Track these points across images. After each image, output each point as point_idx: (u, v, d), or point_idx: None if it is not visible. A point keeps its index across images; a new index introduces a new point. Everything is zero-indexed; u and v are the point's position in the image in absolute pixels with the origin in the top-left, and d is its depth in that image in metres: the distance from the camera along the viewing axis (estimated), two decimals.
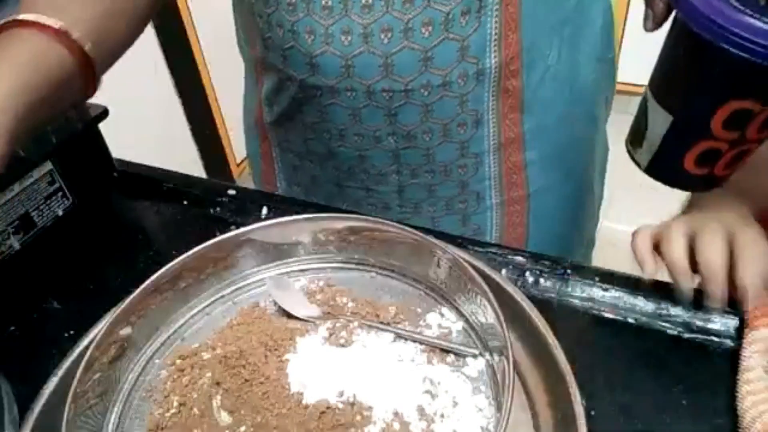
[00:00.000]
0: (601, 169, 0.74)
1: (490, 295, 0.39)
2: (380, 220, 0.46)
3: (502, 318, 0.38)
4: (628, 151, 0.42)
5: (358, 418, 0.37)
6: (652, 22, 0.37)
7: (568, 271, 0.50)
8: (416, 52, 0.50)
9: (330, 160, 0.62)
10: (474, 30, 0.50)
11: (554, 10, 0.54)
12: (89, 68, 0.46)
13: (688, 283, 0.45)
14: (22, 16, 0.43)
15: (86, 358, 0.38)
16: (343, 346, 0.42)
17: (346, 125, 0.57)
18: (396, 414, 0.38)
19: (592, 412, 0.39)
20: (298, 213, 0.49)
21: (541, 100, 0.56)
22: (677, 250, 0.45)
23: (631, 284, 0.48)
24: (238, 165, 2.13)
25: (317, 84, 0.55)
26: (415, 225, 0.46)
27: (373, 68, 0.52)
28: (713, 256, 0.44)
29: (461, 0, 0.48)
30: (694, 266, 0.45)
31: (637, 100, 0.41)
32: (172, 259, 0.44)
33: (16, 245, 0.52)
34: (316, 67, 0.53)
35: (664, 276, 0.48)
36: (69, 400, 0.36)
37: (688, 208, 0.52)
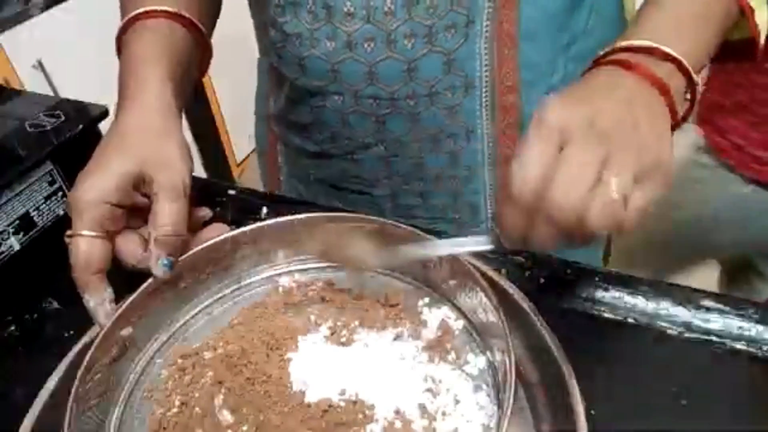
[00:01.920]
0: None
1: (491, 293, 0.40)
2: (380, 219, 0.46)
3: (503, 316, 0.38)
4: None
5: (360, 416, 0.37)
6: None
7: (568, 271, 0.50)
8: (400, 62, 0.50)
9: (324, 160, 0.62)
10: (460, 45, 0.50)
11: (560, 31, 0.53)
12: (205, 43, 0.55)
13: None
14: (142, 10, 0.50)
15: (87, 358, 0.38)
16: (344, 344, 0.43)
17: (336, 128, 0.57)
18: (398, 412, 0.38)
19: (592, 412, 0.39)
20: (298, 213, 0.49)
21: None
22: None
23: (631, 284, 0.48)
24: (238, 165, 2.13)
25: (306, 85, 0.55)
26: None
27: (358, 75, 0.52)
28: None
29: (445, 15, 0.48)
30: None
31: None
32: None
33: (16, 245, 0.52)
34: (305, 68, 0.54)
35: (664, 276, 0.48)
36: (70, 400, 0.36)
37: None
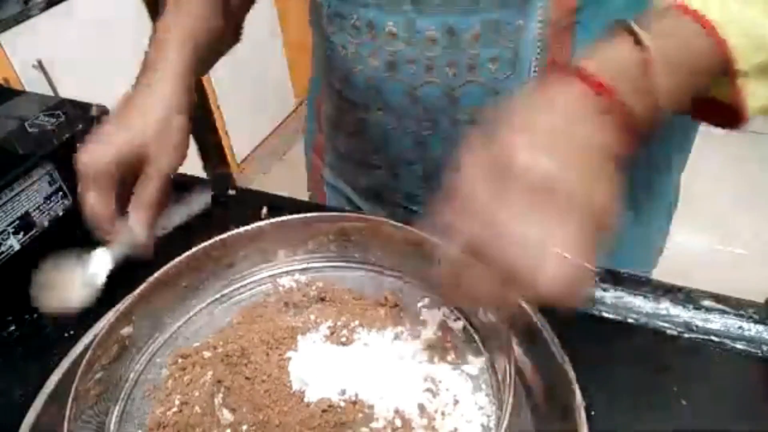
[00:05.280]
0: None
1: None
2: (380, 219, 0.46)
3: (503, 316, 0.38)
4: None
5: (360, 416, 0.37)
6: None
7: None
8: (440, 87, 0.49)
9: (368, 170, 0.62)
10: (506, 77, 0.48)
11: None
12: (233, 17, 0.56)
13: None
14: None
15: (87, 357, 0.38)
16: (344, 344, 0.43)
17: (378, 142, 0.57)
18: (397, 412, 0.38)
19: (592, 412, 0.39)
20: (298, 213, 0.49)
21: None
22: None
23: (631, 284, 0.48)
24: (238, 165, 2.13)
25: (351, 97, 0.55)
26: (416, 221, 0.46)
27: (400, 95, 0.51)
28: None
29: (490, 47, 0.47)
30: None
31: None
32: (172, 259, 0.44)
33: (16, 245, 0.52)
34: (350, 82, 0.54)
35: (664, 276, 0.48)
36: (71, 399, 0.36)
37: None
